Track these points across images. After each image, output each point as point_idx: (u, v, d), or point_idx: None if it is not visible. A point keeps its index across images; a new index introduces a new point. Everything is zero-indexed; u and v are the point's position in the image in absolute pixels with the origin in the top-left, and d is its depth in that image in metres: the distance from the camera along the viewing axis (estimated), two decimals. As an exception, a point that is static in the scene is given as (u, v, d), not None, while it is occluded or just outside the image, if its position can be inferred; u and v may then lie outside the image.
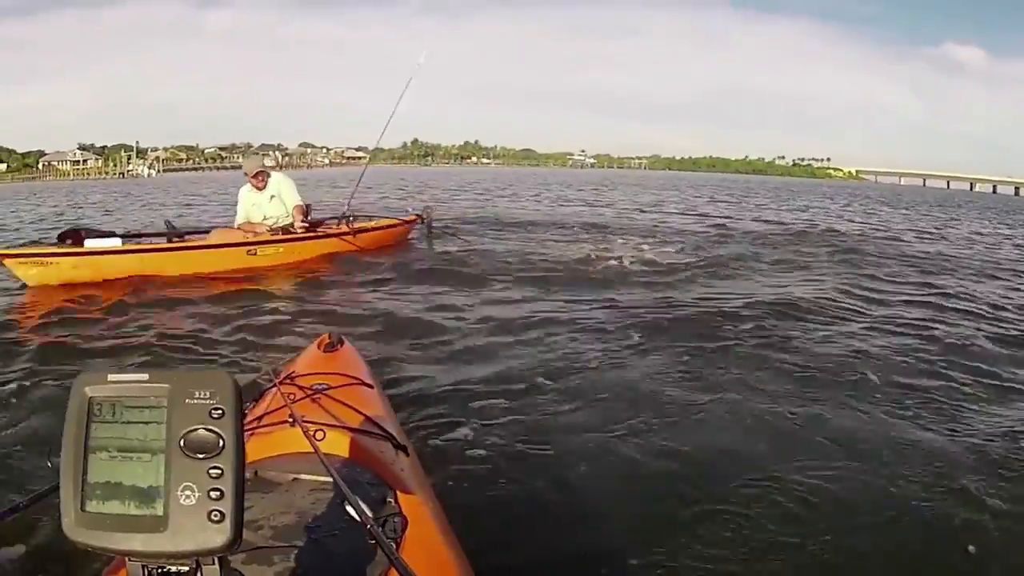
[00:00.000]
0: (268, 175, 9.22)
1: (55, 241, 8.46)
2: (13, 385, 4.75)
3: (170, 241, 8.96)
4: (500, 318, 6.85)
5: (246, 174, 9.26)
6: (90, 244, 8.19)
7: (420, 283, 8.52)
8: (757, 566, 2.88)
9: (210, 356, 5.61)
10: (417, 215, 12.05)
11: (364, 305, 7.39)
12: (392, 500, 1.96)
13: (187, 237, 9.25)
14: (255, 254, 8.88)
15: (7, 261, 7.88)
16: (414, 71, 11.69)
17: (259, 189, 9.13)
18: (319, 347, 3.18)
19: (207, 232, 9.36)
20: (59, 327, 6.39)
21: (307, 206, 9.51)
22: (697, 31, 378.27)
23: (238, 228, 9.18)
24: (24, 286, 7.86)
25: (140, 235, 9.59)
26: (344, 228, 9.94)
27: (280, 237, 9.08)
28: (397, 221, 11.53)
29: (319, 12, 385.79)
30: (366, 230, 10.43)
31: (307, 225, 9.35)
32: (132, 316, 6.78)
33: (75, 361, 5.37)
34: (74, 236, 8.29)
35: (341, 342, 3.22)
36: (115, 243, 8.34)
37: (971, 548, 3.04)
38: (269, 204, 9.14)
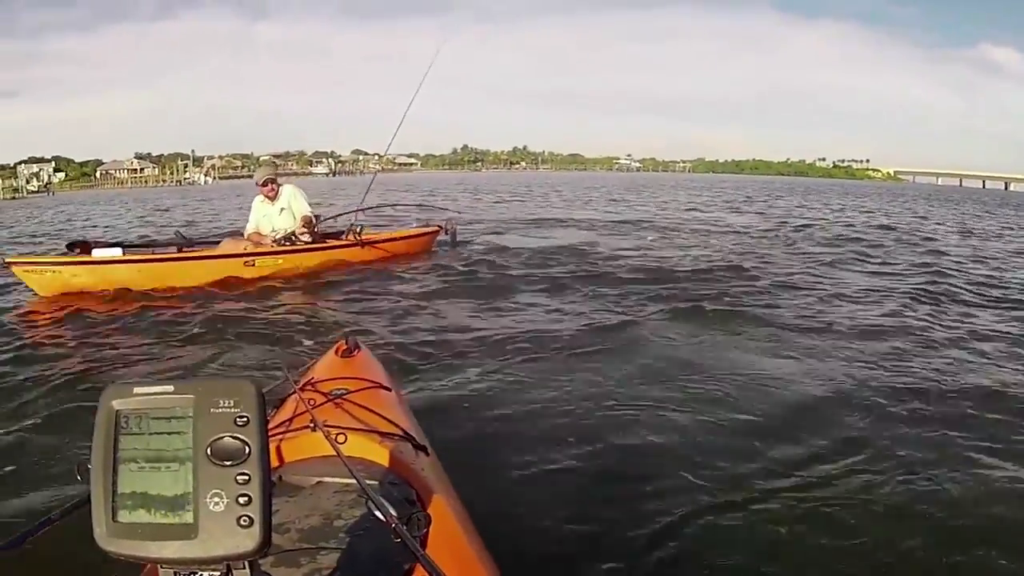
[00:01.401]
0: (279, 186, 8.93)
1: (64, 250, 8.49)
2: (27, 392, 4.80)
3: (179, 251, 8.79)
4: (520, 323, 6.71)
5: (256, 183, 9.02)
6: (97, 254, 8.17)
7: (435, 292, 8.27)
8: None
9: (195, 363, 5.57)
10: (439, 226, 11.37)
11: (367, 314, 7.15)
12: (415, 500, 1.95)
13: (196, 247, 9.08)
14: (253, 265, 8.62)
15: (15, 269, 7.95)
16: (428, 66, 11.29)
17: (270, 199, 8.88)
18: (336, 353, 3.17)
19: (217, 242, 9.18)
20: (63, 334, 6.39)
21: (316, 217, 9.16)
22: (741, 34, 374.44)
23: (247, 238, 8.96)
24: (32, 293, 7.97)
25: (148, 245, 9.41)
26: (351, 239, 9.51)
27: (279, 249, 8.79)
28: (414, 232, 11.00)
29: (372, 23, 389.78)
30: (376, 241, 9.95)
31: (307, 234, 8.97)
32: (131, 323, 6.76)
33: (78, 366, 5.39)
34: (82, 247, 8.33)
35: (358, 347, 3.20)
36: (117, 253, 8.22)
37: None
38: (279, 216, 8.87)
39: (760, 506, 3.20)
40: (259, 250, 8.73)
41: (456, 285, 8.72)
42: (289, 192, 8.98)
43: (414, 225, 12.71)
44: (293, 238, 8.87)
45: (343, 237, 9.58)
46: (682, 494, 3.28)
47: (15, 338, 6.26)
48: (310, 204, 9.19)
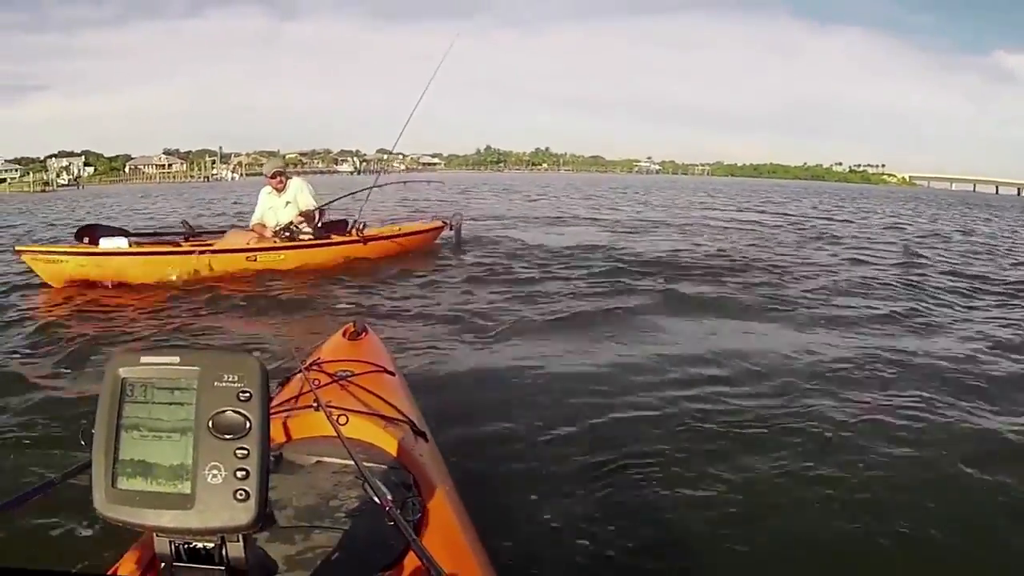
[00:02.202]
0: (288, 178, 8.95)
1: (72, 240, 8.64)
2: (34, 367, 4.96)
3: (186, 239, 8.85)
4: (522, 318, 6.68)
5: (265, 175, 9.04)
6: (104, 244, 8.24)
7: (437, 287, 8.28)
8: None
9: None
10: (444, 222, 11.20)
11: (366, 308, 7.09)
12: (411, 484, 1.95)
13: (203, 237, 9.11)
14: (255, 260, 8.61)
15: (25, 257, 8.10)
16: (439, 63, 11.13)
17: (278, 191, 8.88)
18: (344, 335, 3.20)
19: (222, 233, 9.19)
20: (69, 320, 6.52)
21: (319, 211, 9.08)
22: (760, 41, 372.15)
23: (251, 228, 9.00)
24: (41, 280, 8.08)
25: (155, 234, 9.51)
26: (354, 235, 9.43)
27: (281, 244, 8.77)
28: (417, 228, 10.89)
29: (398, 25, 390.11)
30: (380, 237, 9.87)
31: (306, 224, 8.93)
32: (133, 312, 6.88)
33: (81, 347, 5.47)
34: (90, 234, 8.42)
35: (365, 331, 3.24)
36: (122, 243, 8.29)
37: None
38: (284, 209, 8.85)
39: (757, 501, 3.16)
40: (262, 245, 8.71)
41: (458, 280, 8.72)
42: (296, 186, 8.95)
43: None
44: (293, 229, 8.84)
45: (347, 232, 9.50)
46: (684, 490, 3.24)
47: (23, 322, 6.44)
48: (315, 198, 9.09)
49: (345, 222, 9.68)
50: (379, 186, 11.05)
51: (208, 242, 8.84)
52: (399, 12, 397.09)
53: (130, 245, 8.34)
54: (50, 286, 7.88)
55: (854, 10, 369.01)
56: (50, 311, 6.86)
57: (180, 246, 8.68)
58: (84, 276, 7.95)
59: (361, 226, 9.54)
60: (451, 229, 11.26)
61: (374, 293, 7.76)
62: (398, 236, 10.26)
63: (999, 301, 8.20)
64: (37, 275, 8.02)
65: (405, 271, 9.06)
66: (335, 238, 9.30)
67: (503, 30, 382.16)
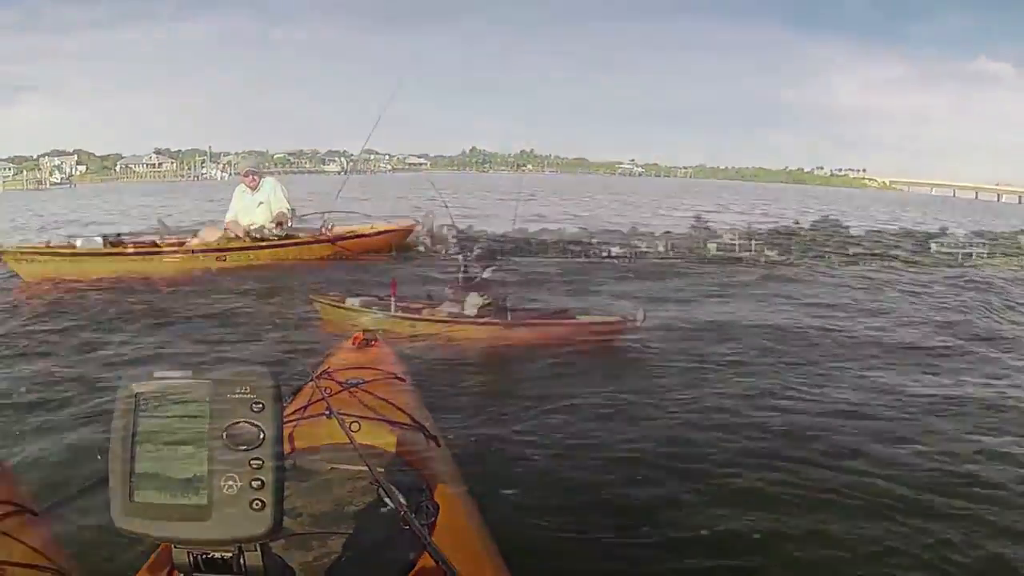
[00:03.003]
0: (260, 178, 9.11)
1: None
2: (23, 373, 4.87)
3: (162, 238, 9.01)
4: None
5: (238, 173, 9.20)
6: (80, 244, 8.49)
7: (404, 284, 8.08)
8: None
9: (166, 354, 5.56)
10: (415, 221, 11.34)
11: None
12: (424, 488, 1.96)
13: (178, 235, 9.26)
14: (224, 260, 8.78)
15: (5, 257, 8.29)
16: (405, 69, 11.32)
17: (252, 190, 9.04)
18: (354, 344, 3.25)
19: (197, 231, 9.30)
20: (48, 319, 6.54)
21: (291, 212, 9.23)
22: (745, 46, 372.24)
23: (225, 226, 9.13)
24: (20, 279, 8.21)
25: (131, 235, 9.60)
26: (323, 234, 9.57)
27: (249, 245, 8.93)
28: (387, 227, 10.91)
29: (387, 27, 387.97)
30: (349, 236, 9.98)
31: (279, 228, 9.08)
32: (107, 311, 6.83)
33: (62, 347, 5.55)
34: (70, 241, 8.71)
35: (375, 339, 3.30)
36: (98, 243, 8.49)
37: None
38: (256, 209, 9.02)
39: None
40: (232, 245, 8.88)
41: (426, 278, 8.66)
42: (269, 187, 9.13)
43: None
44: (265, 231, 9.00)
45: (319, 232, 9.64)
46: (698, 493, 3.21)
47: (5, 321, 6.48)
48: (288, 200, 9.25)
49: (319, 221, 9.86)
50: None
51: (182, 241, 9.01)
52: (386, 16, 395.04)
53: (105, 245, 8.53)
54: (28, 285, 8.01)
55: (839, 17, 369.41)
56: (28, 311, 6.90)
57: (155, 246, 8.86)
58: (62, 276, 8.09)
59: (330, 226, 9.72)
60: (423, 228, 11.30)
61: (340, 291, 7.65)
62: (367, 235, 10.34)
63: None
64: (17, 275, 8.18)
65: (371, 270, 9.00)
66: (303, 237, 9.44)
67: (493, 32, 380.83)
